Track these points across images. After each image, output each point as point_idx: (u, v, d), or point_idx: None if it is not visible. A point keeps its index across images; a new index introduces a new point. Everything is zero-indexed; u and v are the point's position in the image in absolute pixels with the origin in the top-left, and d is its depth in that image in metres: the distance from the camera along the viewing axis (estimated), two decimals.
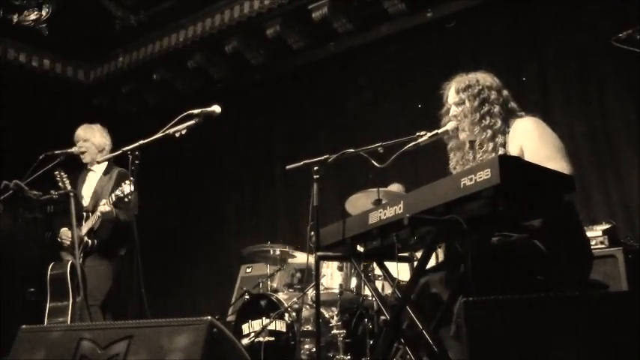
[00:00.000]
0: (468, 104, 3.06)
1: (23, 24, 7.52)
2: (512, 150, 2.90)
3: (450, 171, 3.19)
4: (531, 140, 2.86)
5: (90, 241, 4.84)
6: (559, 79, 5.78)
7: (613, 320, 1.89)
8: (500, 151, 2.92)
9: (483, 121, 3.00)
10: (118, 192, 4.48)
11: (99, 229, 4.88)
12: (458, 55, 6.40)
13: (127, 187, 4.32)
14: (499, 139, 2.96)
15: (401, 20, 6.63)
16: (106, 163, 5.14)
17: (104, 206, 4.71)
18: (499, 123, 2.99)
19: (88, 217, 4.89)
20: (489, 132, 2.98)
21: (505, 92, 3.11)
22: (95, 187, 5.07)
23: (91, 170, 5.16)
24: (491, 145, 2.95)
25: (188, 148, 7.46)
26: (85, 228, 4.83)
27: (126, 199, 4.40)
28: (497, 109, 3.02)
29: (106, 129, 5.25)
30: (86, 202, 5.04)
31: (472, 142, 3.11)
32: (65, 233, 4.88)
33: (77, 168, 5.22)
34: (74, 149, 5.03)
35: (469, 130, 3.06)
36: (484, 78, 3.13)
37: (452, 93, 3.17)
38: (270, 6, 6.82)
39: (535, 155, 2.76)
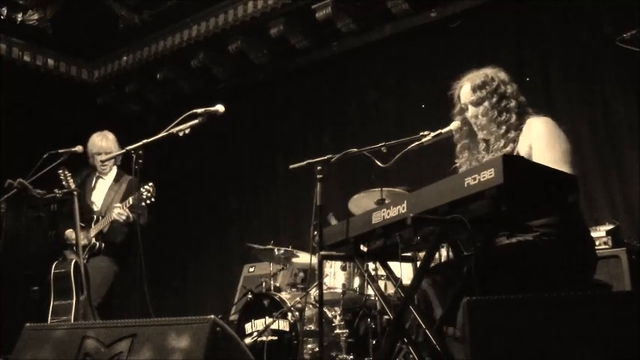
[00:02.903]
0: (486, 103, 3.02)
1: (27, 23, 7.54)
2: (522, 148, 2.88)
3: (456, 170, 3.17)
4: (541, 141, 2.83)
5: (97, 243, 4.89)
6: (562, 80, 5.78)
7: (616, 320, 1.89)
8: (510, 147, 2.89)
9: (499, 117, 2.97)
10: (135, 197, 4.50)
11: (108, 232, 4.91)
12: (461, 55, 6.39)
13: (146, 193, 4.38)
14: (511, 135, 2.93)
15: (404, 20, 6.62)
16: (116, 170, 5.22)
17: (120, 210, 4.75)
18: (514, 117, 2.97)
19: (98, 220, 4.94)
20: (504, 127, 2.95)
21: (515, 85, 3.08)
22: (106, 194, 5.14)
23: (100, 177, 5.22)
24: (503, 141, 2.93)
25: (191, 148, 7.47)
26: (95, 230, 4.89)
27: (143, 204, 4.44)
28: (513, 103, 3.00)
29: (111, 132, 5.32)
30: (97, 207, 5.10)
31: (486, 140, 3.08)
32: (70, 235, 4.90)
33: (79, 167, 5.23)
34: (78, 148, 5.02)
35: (487, 128, 3.03)
36: (496, 73, 3.09)
37: (466, 91, 3.11)
38: (274, 6, 6.82)
39: (542, 157, 2.75)
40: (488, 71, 3.10)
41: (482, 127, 3.05)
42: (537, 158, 2.77)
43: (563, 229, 2.70)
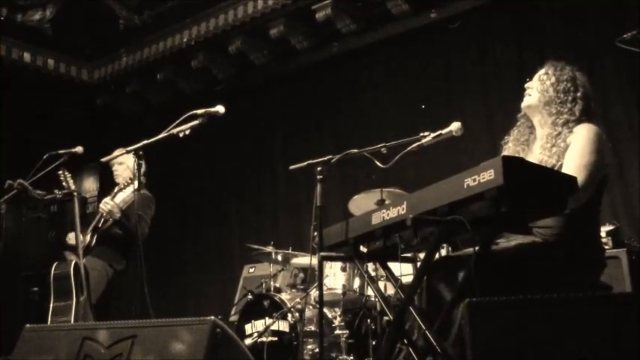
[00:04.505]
0: (552, 79, 2.97)
1: (27, 23, 7.55)
2: (562, 147, 2.82)
3: (501, 143, 3.16)
4: (576, 145, 2.78)
5: (90, 239, 4.88)
6: None
7: (616, 321, 1.89)
8: (549, 144, 2.83)
9: (564, 105, 2.91)
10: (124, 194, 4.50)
11: (106, 231, 4.91)
12: (462, 56, 6.40)
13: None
14: (565, 131, 2.84)
15: (404, 21, 6.62)
16: (136, 185, 5.22)
17: (104, 204, 4.76)
18: (576, 116, 2.88)
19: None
20: (564, 117, 2.87)
21: (592, 105, 2.99)
22: None
23: (120, 190, 5.22)
24: (559, 129, 2.85)
25: (191, 148, 7.49)
26: (90, 227, 4.89)
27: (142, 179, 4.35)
28: (578, 107, 2.91)
29: None
30: None
31: (532, 122, 3.04)
32: (72, 237, 4.92)
33: (79, 168, 5.24)
34: (78, 149, 5.01)
35: (535, 105, 2.99)
36: (582, 76, 3.03)
37: (542, 71, 3.07)
38: (274, 6, 6.83)
39: (570, 160, 2.73)
40: (575, 70, 3.04)
41: (531, 99, 3.01)
42: (566, 160, 2.75)
43: (567, 230, 2.70)
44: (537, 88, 3.02)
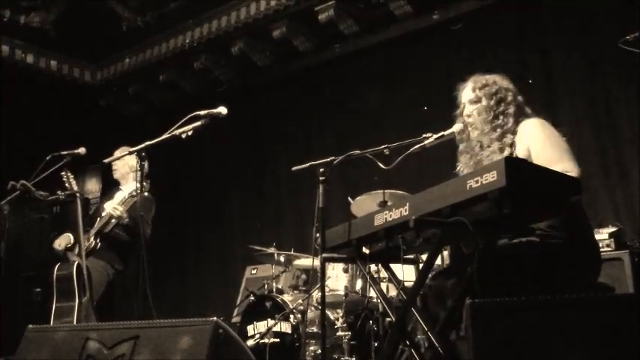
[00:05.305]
0: (484, 102, 3.04)
1: (31, 25, 7.56)
2: (520, 151, 2.87)
3: (456, 173, 3.17)
4: (538, 141, 2.83)
5: (94, 241, 4.89)
6: (565, 82, 5.77)
7: (619, 323, 1.89)
8: (507, 152, 2.89)
9: (496, 120, 2.98)
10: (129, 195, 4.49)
11: (108, 234, 4.91)
12: (464, 57, 6.40)
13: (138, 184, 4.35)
14: (507, 139, 2.92)
15: (407, 22, 6.63)
16: (135, 185, 5.20)
17: (115, 204, 4.77)
18: (510, 123, 2.96)
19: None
20: (499, 131, 2.95)
21: (520, 98, 3.07)
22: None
23: (119, 190, 5.24)
24: (497, 144, 2.92)
25: (194, 149, 7.49)
26: (94, 230, 4.90)
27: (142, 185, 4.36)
28: (512, 109, 3.00)
29: None
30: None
31: (480, 141, 3.09)
32: (59, 243, 4.92)
33: (81, 169, 5.24)
34: (81, 150, 5.02)
35: (480, 129, 3.03)
36: (502, 79, 3.11)
37: (467, 91, 3.14)
38: (277, 7, 6.83)
39: (542, 157, 2.75)
40: (495, 77, 3.12)
41: (476, 127, 3.06)
42: (538, 159, 2.76)
43: (566, 230, 2.70)
44: (474, 113, 3.07)
